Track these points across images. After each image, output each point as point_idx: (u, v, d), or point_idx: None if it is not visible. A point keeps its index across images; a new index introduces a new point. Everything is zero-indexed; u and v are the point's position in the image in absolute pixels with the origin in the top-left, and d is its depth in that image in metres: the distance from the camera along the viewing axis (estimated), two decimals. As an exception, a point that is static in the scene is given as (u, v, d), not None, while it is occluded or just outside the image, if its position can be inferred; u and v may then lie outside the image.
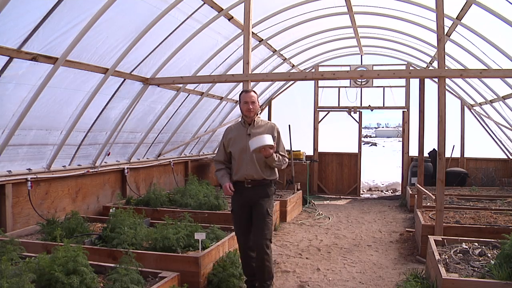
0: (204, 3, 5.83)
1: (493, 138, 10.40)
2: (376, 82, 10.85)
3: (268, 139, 3.72)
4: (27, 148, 5.26)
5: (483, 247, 4.39)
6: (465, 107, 10.70)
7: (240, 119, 4.19)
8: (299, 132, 10.71)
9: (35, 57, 4.36)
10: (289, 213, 7.87)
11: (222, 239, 4.80)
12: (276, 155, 3.94)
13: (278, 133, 4.09)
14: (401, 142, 11.62)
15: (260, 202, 3.94)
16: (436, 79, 7.37)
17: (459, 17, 6.35)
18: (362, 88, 11.17)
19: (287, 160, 4.11)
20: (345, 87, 11.25)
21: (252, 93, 4.02)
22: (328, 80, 10.42)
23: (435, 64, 9.25)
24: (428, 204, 7.20)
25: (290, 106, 11.59)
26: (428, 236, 4.77)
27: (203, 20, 6.28)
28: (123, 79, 6.00)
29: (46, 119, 5.21)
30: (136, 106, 6.57)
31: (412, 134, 10.55)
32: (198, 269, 4.11)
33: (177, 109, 7.98)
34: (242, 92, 4.10)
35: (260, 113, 12.43)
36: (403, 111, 10.97)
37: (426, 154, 9.07)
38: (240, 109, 4.07)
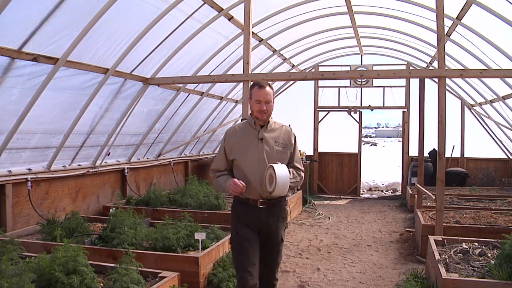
0: (204, 3, 5.84)
1: (493, 138, 10.40)
2: (376, 82, 10.86)
3: (286, 171, 2.92)
4: (29, 151, 5.26)
5: (483, 247, 4.40)
6: (465, 107, 10.70)
7: (247, 119, 3.24)
8: (299, 132, 10.48)
9: (36, 58, 4.37)
10: (289, 213, 7.88)
11: (222, 239, 4.80)
12: (291, 171, 3.08)
13: (295, 140, 3.25)
14: (401, 142, 11.62)
15: (276, 228, 3.13)
16: (436, 79, 7.37)
17: (459, 17, 6.35)
18: (362, 88, 11.18)
19: (302, 174, 3.24)
20: (345, 87, 11.25)
21: (268, 89, 3.07)
22: (328, 80, 10.42)
23: (435, 64, 9.25)
24: (428, 204, 7.20)
25: (290, 106, 11.58)
26: (428, 236, 4.77)
27: (203, 20, 6.28)
28: (123, 79, 6.01)
29: (46, 119, 5.22)
30: (136, 106, 6.58)
31: (412, 134, 10.56)
32: (198, 269, 4.11)
33: (177, 109, 7.99)
34: (254, 85, 3.11)
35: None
36: (403, 111, 10.98)
37: (426, 154, 9.07)
38: (250, 107, 3.16)
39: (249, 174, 3.04)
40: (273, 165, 2.89)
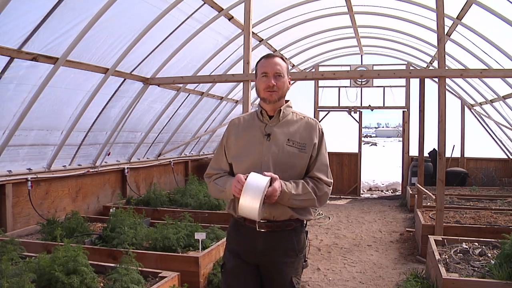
0: (204, 3, 5.84)
1: (493, 138, 10.40)
2: (376, 82, 10.86)
3: (262, 183, 1.99)
4: (28, 148, 5.26)
5: (483, 247, 4.39)
6: (465, 107, 10.70)
7: (257, 108, 2.33)
8: None
9: (35, 57, 4.37)
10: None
11: (222, 239, 4.79)
12: (300, 184, 2.13)
13: (321, 137, 2.26)
14: (401, 142, 11.62)
15: (280, 266, 2.17)
16: (436, 79, 7.37)
17: (460, 16, 6.35)
18: (362, 88, 11.18)
19: (326, 189, 2.21)
20: (345, 87, 11.25)
21: (278, 60, 2.22)
22: (328, 80, 10.42)
23: (435, 64, 9.25)
24: (428, 204, 7.20)
25: (290, 106, 11.58)
26: (428, 236, 4.77)
27: (203, 20, 6.29)
28: (123, 79, 6.01)
29: (46, 119, 5.22)
30: (136, 106, 6.58)
31: (412, 134, 10.55)
32: (198, 269, 4.11)
33: (177, 109, 7.99)
34: (261, 58, 2.28)
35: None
36: (403, 111, 10.97)
37: (426, 154, 9.07)
38: (256, 88, 2.28)
39: None
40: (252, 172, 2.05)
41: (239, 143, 2.25)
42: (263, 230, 2.15)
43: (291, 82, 2.36)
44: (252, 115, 2.33)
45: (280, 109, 2.23)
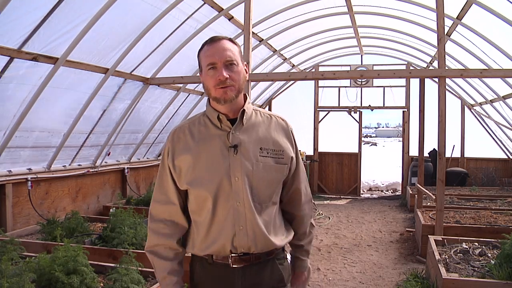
0: (205, 3, 5.84)
1: (493, 138, 10.40)
2: (376, 82, 10.86)
3: None
4: (29, 150, 5.26)
5: (483, 247, 4.40)
6: (465, 107, 10.70)
7: (205, 111, 1.73)
8: (299, 132, 10.69)
9: (35, 57, 4.37)
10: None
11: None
12: (308, 239, 1.88)
13: (295, 141, 1.78)
14: (401, 142, 11.63)
15: None
16: (436, 79, 7.37)
17: (460, 16, 6.35)
18: (362, 88, 11.18)
19: (311, 208, 1.91)
20: (345, 87, 11.26)
21: (226, 43, 1.62)
22: (328, 80, 10.42)
23: (435, 64, 9.25)
24: (428, 204, 7.20)
25: (290, 106, 11.59)
26: (428, 236, 4.77)
27: (203, 20, 6.29)
28: (123, 79, 6.01)
29: (47, 119, 5.22)
30: (136, 106, 6.58)
31: (412, 134, 10.56)
32: (198, 269, 4.10)
33: (177, 109, 7.99)
34: (203, 45, 1.67)
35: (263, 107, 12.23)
36: (403, 111, 10.98)
37: (426, 154, 9.07)
38: (204, 87, 1.67)
39: (216, 214, 1.63)
40: None
41: (196, 162, 1.63)
42: (239, 266, 1.63)
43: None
44: (201, 122, 1.70)
45: (244, 109, 1.66)
